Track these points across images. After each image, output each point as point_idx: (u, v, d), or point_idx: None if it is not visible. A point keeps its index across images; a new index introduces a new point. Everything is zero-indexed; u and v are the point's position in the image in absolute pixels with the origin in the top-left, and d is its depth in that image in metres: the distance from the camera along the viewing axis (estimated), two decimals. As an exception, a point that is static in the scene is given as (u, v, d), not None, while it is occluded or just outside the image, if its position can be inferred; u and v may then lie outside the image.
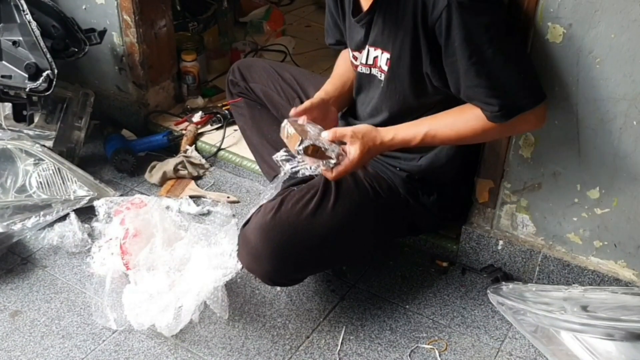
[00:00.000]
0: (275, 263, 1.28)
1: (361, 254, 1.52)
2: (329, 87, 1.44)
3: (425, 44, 1.18)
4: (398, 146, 1.27)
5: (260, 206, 1.34)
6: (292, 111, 1.30)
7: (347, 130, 1.23)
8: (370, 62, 1.32)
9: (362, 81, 1.38)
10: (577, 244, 1.39)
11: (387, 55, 1.26)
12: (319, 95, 1.38)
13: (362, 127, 1.26)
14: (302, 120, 1.27)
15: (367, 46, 1.30)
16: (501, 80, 1.15)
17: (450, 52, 1.16)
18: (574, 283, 1.42)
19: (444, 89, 1.23)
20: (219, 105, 2.05)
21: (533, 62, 1.21)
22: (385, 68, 1.28)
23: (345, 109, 1.47)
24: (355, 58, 1.37)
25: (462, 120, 1.23)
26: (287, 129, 1.25)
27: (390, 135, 1.26)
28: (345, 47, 1.51)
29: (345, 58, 1.50)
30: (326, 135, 1.23)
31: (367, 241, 1.41)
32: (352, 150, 1.22)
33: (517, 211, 1.44)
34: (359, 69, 1.37)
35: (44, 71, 1.63)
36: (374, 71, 1.32)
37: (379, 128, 1.27)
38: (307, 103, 1.33)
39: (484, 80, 1.15)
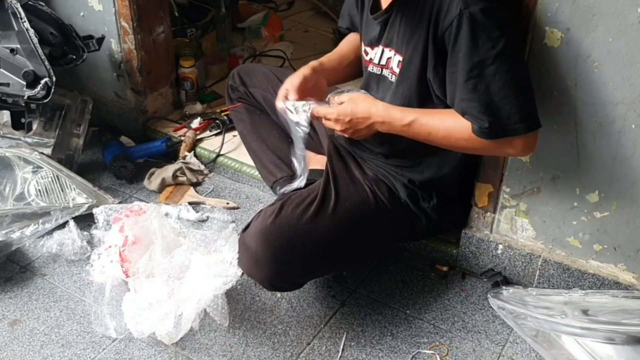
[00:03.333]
0: (276, 268, 1.28)
1: (361, 258, 1.52)
2: (325, 59, 1.45)
3: (433, 50, 1.19)
4: (387, 118, 1.25)
5: (260, 211, 1.34)
6: (290, 91, 1.32)
7: (346, 94, 1.32)
8: (383, 62, 1.32)
9: (371, 81, 1.38)
10: (577, 247, 1.39)
11: (399, 57, 1.27)
12: (311, 65, 1.40)
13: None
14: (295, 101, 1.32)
15: (380, 45, 1.31)
16: (496, 100, 1.14)
17: (454, 62, 1.16)
18: (574, 287, 1.42)
19: (443, 98, 1.23)
20: (217, 110, 2.05)
21: (533, 89, 1.19)
22: (397, 70, 1.28)
23: (334, 84, 1.48)
24: (367, 53, 1.37)
25: (452, 120, 1.21)
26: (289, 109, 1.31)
27: (385, 103, 1.29)
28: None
29: (350, 41, 1.51)
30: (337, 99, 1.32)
31: (367, 245, 1.41)
32: (347, 100, 1.29)
33: (517, 215, 1.44)
34: (369, 68, 1.37)
35: (42, 78, 1.63)
36: (386, 72, 1.32)
37: None
38: (300, 78, 1.34)
39: (480, 95, 1.15)
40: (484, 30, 1.11)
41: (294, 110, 1.30)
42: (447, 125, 1.22)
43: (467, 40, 1.12)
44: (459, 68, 1.15)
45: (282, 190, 1.40)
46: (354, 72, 1.50)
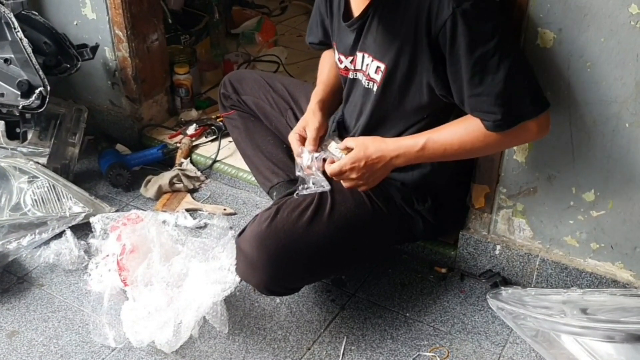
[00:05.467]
0: (271, 272, 1.27)
1: (358, 262, 1.52)
2: (324, 95, 1.43)
3: (428, 53, 1.18)
4: (401, 149, 1.25)
5: (256, 215, 1.33)
6: (309, 143, 1.33)
7: (351, 139, 1.30)
8: (363, 68, 1.31)
9: (352, 88, 1.38)
10: (574, 246, 1.40)
11: (377, 63, 1.26)
12: (318, 108, 1.39)
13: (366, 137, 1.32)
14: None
15: (357, 52, 1.30)
16: (505, 88, 1.14)
17: (454, 61, 1.16)
18: (572, 286, 1.42)
19: (448, 98, 1.23)
20: (213, 117, 2.05)
21: (534, 69, 1.20)
22: (376, 77, 1.27)
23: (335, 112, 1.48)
24: (340, 61, 1.36)
25: (462, 128, 1.22)
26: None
27: (393, 138, 1.28)
28: (326, 48, 1.51)
29: (329, 62, 1.49)
30: (335, 145, 1.30)
31: (363, 250, 1.41)
32: (355, 146, 1.27)
33: (514, 216, 1.44)
34: (349, 75, 1.36)
35: (37, 88, 1.63)
36: (362, 78, 1.32)
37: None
38: (315, 131, 1.34)
39: (487, 88, 1.14)
40: (479, 24, 1.12)
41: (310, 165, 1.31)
42: (459, 134, 1.22)
43: (464, 37, 1.12)
44: (461, 66, 1.15)
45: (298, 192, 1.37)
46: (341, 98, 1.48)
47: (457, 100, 1.21)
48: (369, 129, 1.34)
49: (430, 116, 1.28)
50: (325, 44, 1.49)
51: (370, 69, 1.28)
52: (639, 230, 1.31)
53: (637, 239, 1.32)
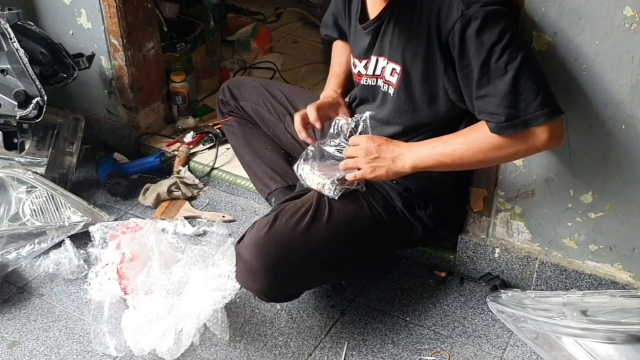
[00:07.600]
0: (270, 278, 1.27)
1: (357, 268, 1.52)
2: (339, 86, 1.50)
3: (440, 55, 1.19)
4: (413, 153, 1.25)
5: (255, 222, 1.33)
6: (310, 111, 1.37)
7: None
8: (378, 72, 1.31)
9: (366, 93, 1.37)
10: (573, 248, 1.40)
11: (393, 65, 1.26)
12: (329, 95, 1.46)
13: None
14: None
15: (373, 55, 1.30)
16: (511, 91, 1.12)
17: (465, 64, 1.16)
18: (572, 288, 1.43)
19: (460, 102, 1.23)
20: (210, 124, 2.05)
21: (545, 75, 1.17)
22: (392, 80, 1.27)
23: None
24: (355, 65, 1.37)
25: (474, 134, 1.21)
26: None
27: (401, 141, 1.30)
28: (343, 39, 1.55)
29: (339, 51, 1.55)
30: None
31: (362, 255, 1.41)
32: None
33: (512, 218, 1.44)
34: (362, 81, 1.36)
35: (34, 98, 1.63)
36: (380, 82, 1.32)
37: None
38: (319, 102, 1.40)
39: (494, 89, 1.14)
40: (488, 26, 1.12)
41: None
42: (471, 139, 1.20)
43: (473, 40, 1.12)
44: (471, 68, 1.15)
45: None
46: None
47: (468, 103, 1.20)
48: (384, 135, 1.33)
49: (444, 124, 1.27)
50: (342, 39, 1.54)
51: (386, 71, 1.28)
52: (638, 231, 1.31)
53: (636, 239, 1.32)
